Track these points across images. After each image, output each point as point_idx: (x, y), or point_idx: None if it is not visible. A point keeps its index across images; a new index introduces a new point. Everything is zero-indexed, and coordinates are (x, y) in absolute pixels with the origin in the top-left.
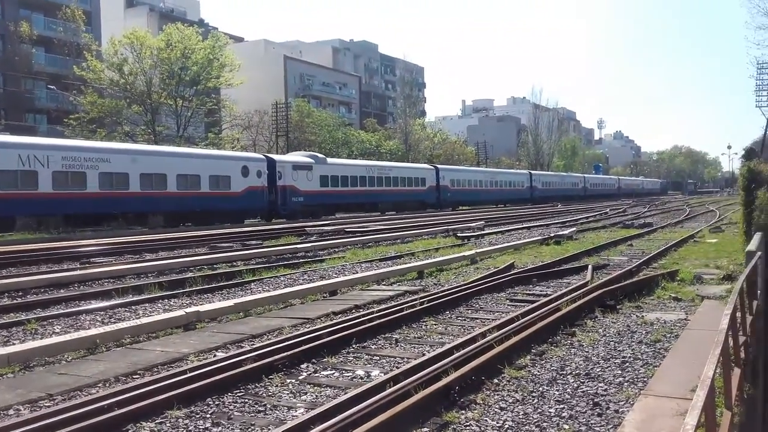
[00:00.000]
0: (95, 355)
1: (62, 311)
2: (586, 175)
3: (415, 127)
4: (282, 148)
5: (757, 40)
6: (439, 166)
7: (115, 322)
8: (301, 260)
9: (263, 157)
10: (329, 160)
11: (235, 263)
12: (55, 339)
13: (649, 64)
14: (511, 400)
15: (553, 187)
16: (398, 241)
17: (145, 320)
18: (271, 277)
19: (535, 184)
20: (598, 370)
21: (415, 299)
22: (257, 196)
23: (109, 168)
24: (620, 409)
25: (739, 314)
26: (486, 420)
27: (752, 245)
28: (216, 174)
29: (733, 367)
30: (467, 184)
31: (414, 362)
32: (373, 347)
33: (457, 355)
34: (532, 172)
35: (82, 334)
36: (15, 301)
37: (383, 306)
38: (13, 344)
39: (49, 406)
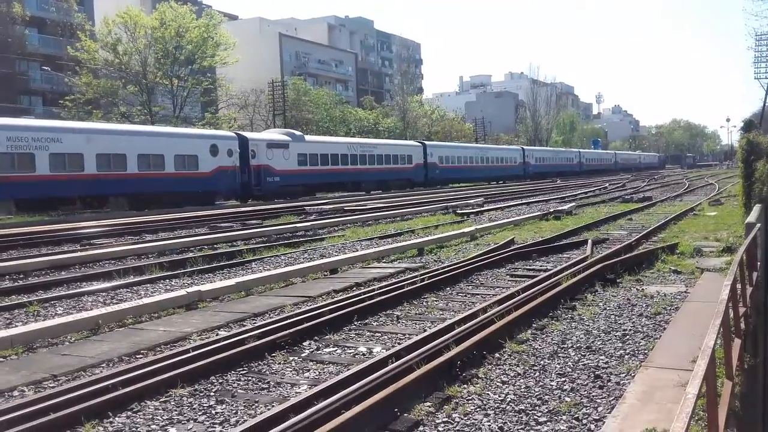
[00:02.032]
0: (98, 335)
1: (64, 293)
2: (581, 150)
3: (412, 104)
4: (279, 126)
5: (755, 11)
6: (426, 142)
7: (117, 303)
8: (301, 239)
9: (234, 134)
10: (307, 137)
11: (235, 243)
12: (57, 320)
13: (647, 38)
14: (512, 374)
15: (548, 163)
16: (398, 218)
17: (147, 300)
18: (272, 256)
19: (528, 160)
20: (598, 343)
21: (416, 276)
22: (228, 176)
23: (60, 149)
24: (621, 381)
25: (739, 286)
26: (488, 394)
27: (752, 217)
28: (182, 153)
29: (733, 338)
30: (457, 161)
31: (415, 338)
32: (374, 324)
33: (458, 330)
34: (525, 147)
35: (85, 315)
36: (16, 284)
37: (384, 283)
38: (16, 326)
39: (53, 387)
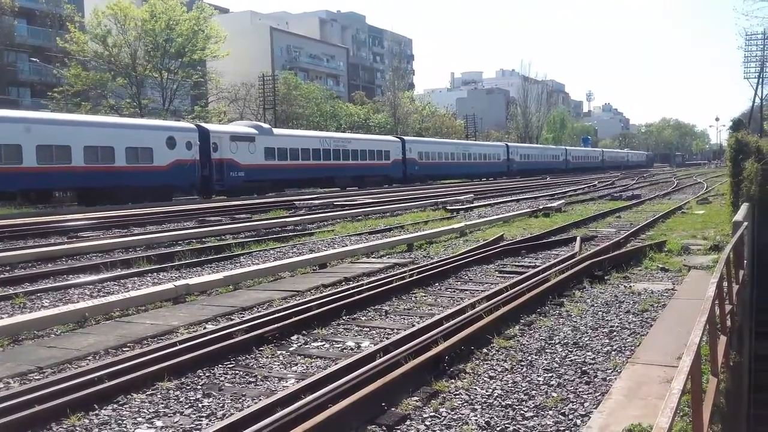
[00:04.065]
0: (84, 328)
1: (50, 285)
2: (567, 148)
3: (403, 100)
4: (269, 121)
5: (745, 10)
6: (405, 137)
7: (104, 296)
8: (291, 234)
9: (194, 126)
10: (276, 130)
11: (224, 237)
12: (43, 312)
13: (637, 37)
14: (500, 369)
15: (533, 160)
16: (387, 214)
17: (134, 293)
18: (261, 251)
19: (513, 157)
20: (586, 339)
21: (405, 271)
22: (186, 170)
23: None
24: (608, 377)
25: (725, 283)
26: (475, 389)
27: (739, 216)
28: (134, 146)
29: (719, 335)
30: (437, 157)
31: (404, 333)
32: (362, 318)
33: (446, 325)
34: (509, 144)
35: (71, 307)
36: (3, 276)
37: (373, 278)
38: (2, 318)
39: (39, 379)
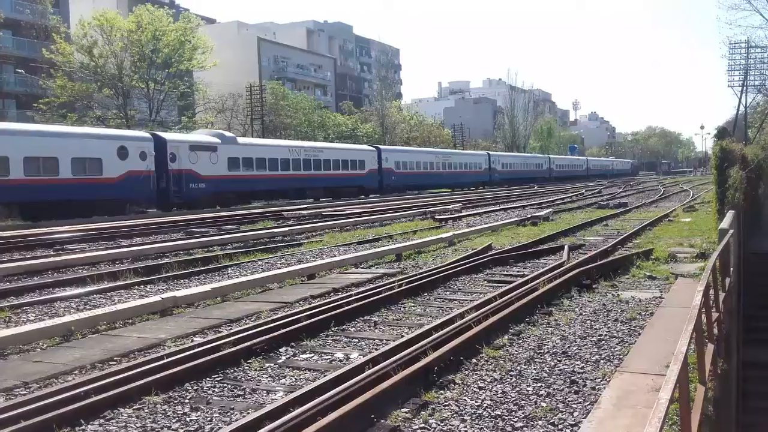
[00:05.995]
0: (71, 342)
1: (36, 299)
2: (552, 156)
3: (391, 109)
4: (257, 131)
5: (728, 19)
6: (381, 147)
7: (90, 309)
8: (279, 244)
9: (149, 135)
10: (240, 139)
11: (211, 248)
12: (29, 326)
13: (623, 46)
14: (489, 380)
15: (515, 169)
16: (376, 224)
17: (120, 306)
18: (249, 262)
19: (495, 166)
20: (574, 348)
21: (394, 281)
22: (140, 182)
23: None
24: (597, 386)
25: (712, 291)
26: (465, 399)
27: (725, 223)
28: (81, 156)
29: (706, 343)
30: (415, 166)
31: (393, 344)
32: (351, 330)
33: (435, 336)
34: (491, 152)
35: (57, 321)
36: None
37: (362, 289)
38: None
39: (24, 394)
